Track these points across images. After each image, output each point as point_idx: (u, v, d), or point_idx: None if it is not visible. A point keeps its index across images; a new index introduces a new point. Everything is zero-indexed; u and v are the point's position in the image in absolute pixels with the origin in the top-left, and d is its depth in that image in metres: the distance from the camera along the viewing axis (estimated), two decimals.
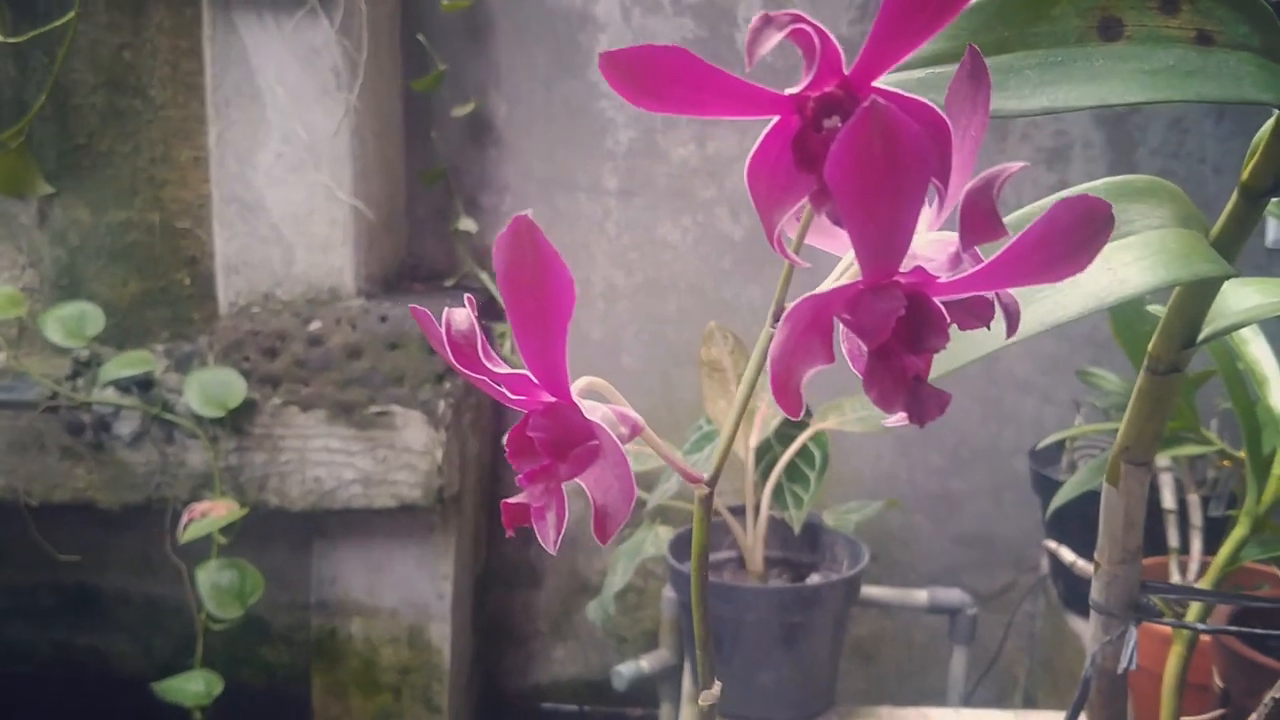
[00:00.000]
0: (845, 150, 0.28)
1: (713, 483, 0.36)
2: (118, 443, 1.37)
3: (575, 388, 0.34)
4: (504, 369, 0.33)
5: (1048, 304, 0.60)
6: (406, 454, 1.35)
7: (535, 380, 0.33)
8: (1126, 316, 1.01)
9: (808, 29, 0.29)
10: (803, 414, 0.33)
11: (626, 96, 0.30)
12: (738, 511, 1.35)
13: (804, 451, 1.35)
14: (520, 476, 0.33)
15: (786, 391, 0.32)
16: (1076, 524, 1.22)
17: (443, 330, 0.33)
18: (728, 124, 1.44)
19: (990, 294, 0.35)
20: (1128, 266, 0.59)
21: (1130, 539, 0.68)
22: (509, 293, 0.31)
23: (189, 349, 1.43)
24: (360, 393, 1.35)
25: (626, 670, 1.39)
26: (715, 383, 1.29)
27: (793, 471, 1.35)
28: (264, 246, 1.40)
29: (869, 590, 1.42)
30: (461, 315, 0.33)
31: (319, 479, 1.37)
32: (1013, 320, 0.36)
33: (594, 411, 0.33)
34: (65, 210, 1.46)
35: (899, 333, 0.32)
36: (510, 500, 0.32)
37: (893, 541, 1.58)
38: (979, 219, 0.30)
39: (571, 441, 0.33)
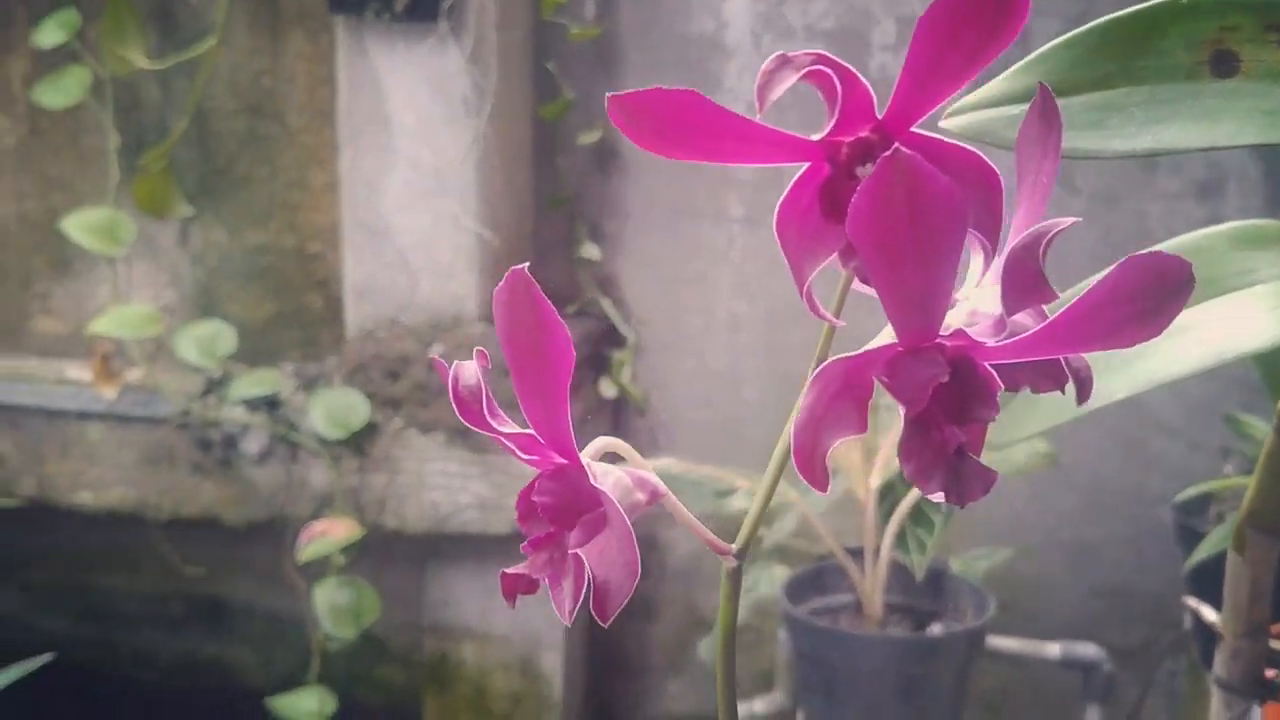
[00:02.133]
0: (866, 204, 0.25)
1: (742, 554, 0.33)
2: (245, 460, 1.40)
3: (591, 449, 0.31)
4: (510, 427, 0.31)
5: (1159, 359, 0.55)
6: (521, 480, 1.34)
7: (542, 441, 0.31)
8: (1276, 362, 0.94)
9: (828, 70, 0.26)
10: (829, 489, 0.30)
11: (638, 142, 0.28)
12: (856, 554, 1.30)
13: None
14: (525, 544, 0.31)
15: (812, 463, 0.29)
16: (1220, 580, 1.14)
17: (449, 384, 0.31)
18: None
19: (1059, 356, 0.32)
20: (1250, 319, 0.54)
21: (1256, 611, 0.63)
22: (508, 350, 0.29)
23: (316, 370, 1.45)
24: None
25: (739, 712, 1.35)
26: None
27: (917, 515, 1.29)
28: (390, 272, 1.41)
29: (997, 641, 1.35)
30: (469, 370, 0.31)
31: (435, 503, 1.37)
32: (1084, 385, 0.32)
33: (606, 476, 0.31)
34: (204, 232, 1.50)
35: (942, 401, 0.29)
36: (509, 570, 0.30)
37: (1024, 590, 1.51)
38: (1024, 281, 0.27)
39: (579, 508, 0.30)
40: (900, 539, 1.26)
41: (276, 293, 1.50)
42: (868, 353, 0.29)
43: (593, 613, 0.30)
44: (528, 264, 0.27)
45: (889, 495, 1.30)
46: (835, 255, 0.29)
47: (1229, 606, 0.64)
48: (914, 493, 1.27)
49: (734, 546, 0.33)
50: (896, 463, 1.33)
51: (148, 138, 1.47)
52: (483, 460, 1.35)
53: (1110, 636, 1.46)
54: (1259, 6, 0.44)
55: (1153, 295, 0.29)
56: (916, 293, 0.27)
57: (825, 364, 0.29)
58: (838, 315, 0.32)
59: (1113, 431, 1.48)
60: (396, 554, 1.45)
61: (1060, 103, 0.46)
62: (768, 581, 1.36)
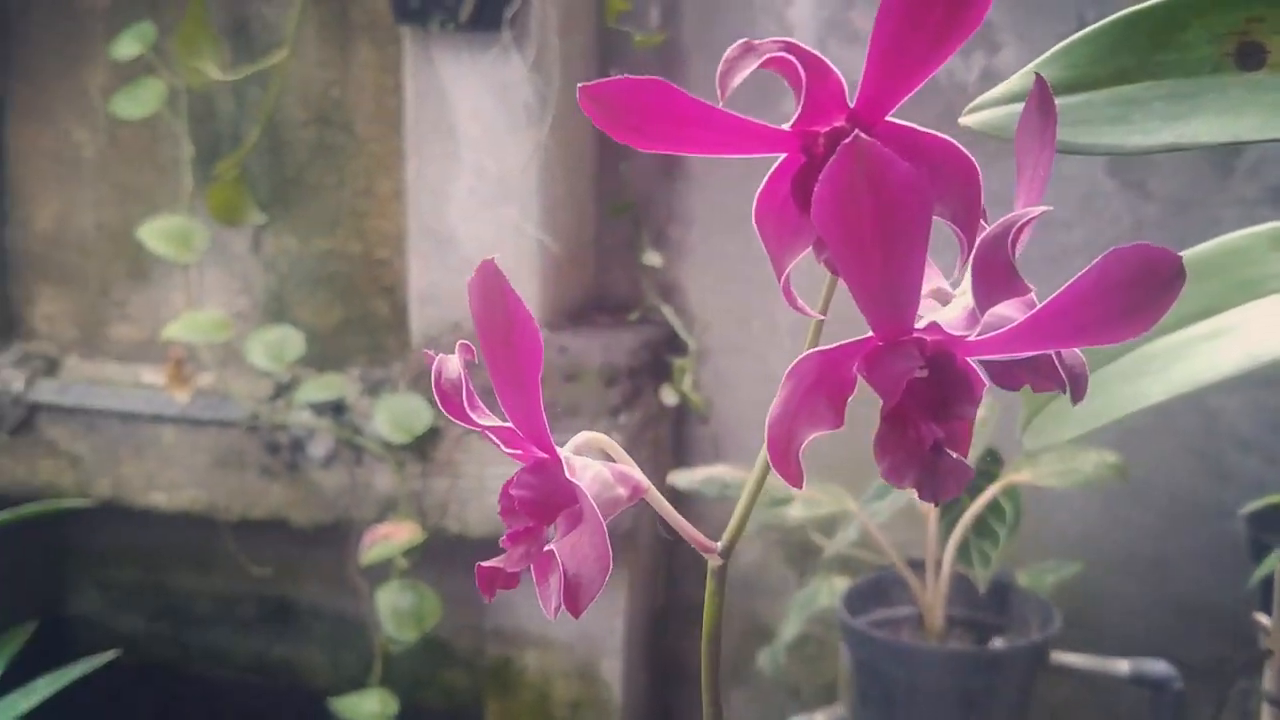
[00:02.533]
0: (828, 192, 0.25)
1: (726, 553, 0.33)
2: (311, 463, 1.43)
3: (573, 444, 0.31)
4: (490, 420, 0.31)
5: (1195, 361, 0.54)
6: None
7: (521, 434, 0.31)
8: None
9: (791, 58, 0.26)
10: (804, 483, 0.29)
11: (610, 133, 0.28)
12: (917, 565, 1.28)
13: (994, 505, 1.27)
14: (504, 537, 0.31)
15: (786, 458, 0.29)
16: None
17: (433, 377, 0.31)
18: None
19: (1052, 352, 0.31)
20: None
21: None
22: (483, 341, 0.29)
23: (382, 375, 1.47)
24: None
25: None
26: None
27: (981, 526, 1.27)
28: (454, 278, 1.43)
29: (1064, 657, 1.32)
30: (451, 364, 0.31)
31: (496, 507, 1.38)
32: (1078, 384, 0.31)
33: (585, 470, 0.31)
34: (275, 239, 1.53)
35: (919, 396, 0.28)
36: (485, 564, 0.30)
37: (1095, 606, 1.47)
38: (994, 273, 0.26)
39: (557, 504, 0.30)
40: (963, 551, 1.24)
41: (344, 299, 1.53)
42: (844, 346, 0.28)
43: (565, 605, 0.30)
44: (496, 256, 0.28)
45: (952, 506, 1.28)
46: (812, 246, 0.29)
47: (1277, 619, 0.62)
48: (977, 504, 1.25)
49: (719, 545, 0.33)
50: None
51: (221, 147, 1.50)
52: None
53: (1183, 654, 1.42)
54: None
55: (1140, 289, 0.28)
56: (884, 284, 0.26)
57: (801, 357, 0.29)
58: (825, 309, 0.32)
59: (1187, 444, 1.44)
60: (460, 558, 1.46)
61: (1082, 98, 0.46)
62: (828, 592, 1.34)
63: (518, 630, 1.47)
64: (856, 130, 0.24)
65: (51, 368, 1.54)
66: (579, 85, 0.27)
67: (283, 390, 1.45)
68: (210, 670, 1.66)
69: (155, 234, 1.42)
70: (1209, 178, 1.40)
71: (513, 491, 0.31)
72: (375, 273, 1.52)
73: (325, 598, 1.62)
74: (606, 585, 1.19)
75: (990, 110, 0.44)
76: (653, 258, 1.50)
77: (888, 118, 0.28)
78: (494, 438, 0.31)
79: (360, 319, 1.53)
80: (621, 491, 0.32)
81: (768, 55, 0.26)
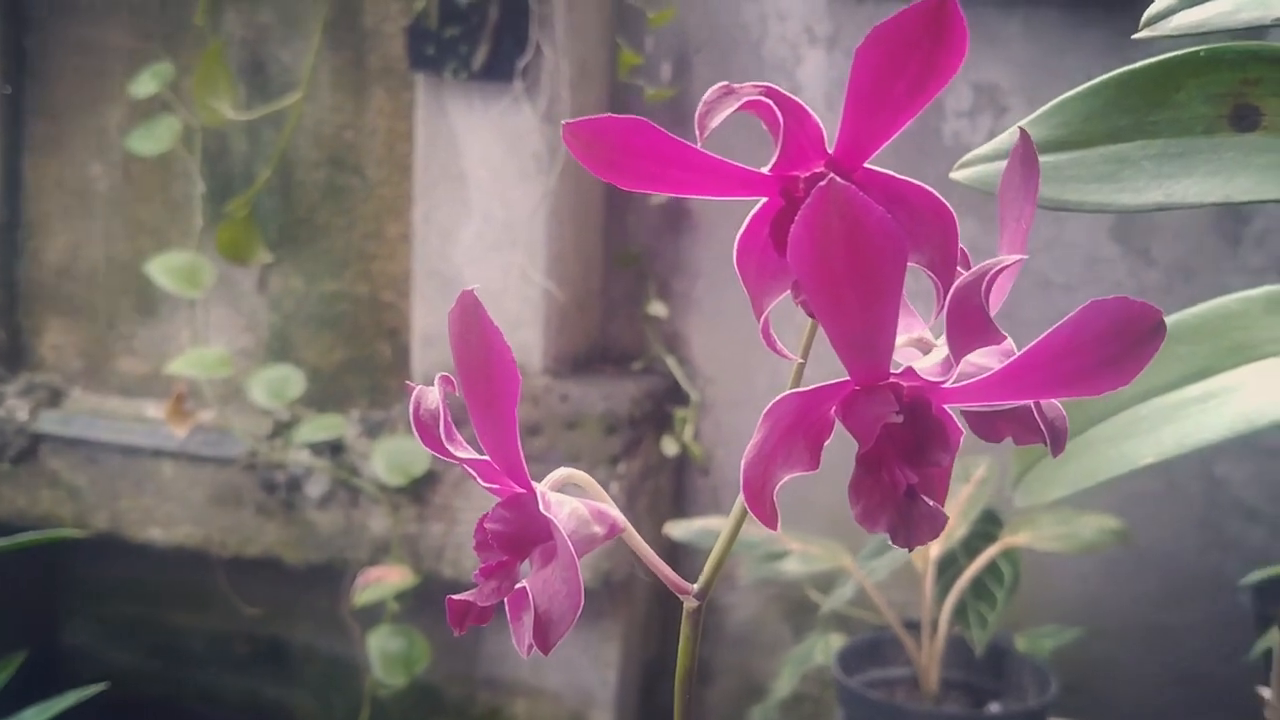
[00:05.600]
0: (803, 235, 0.25)
1: (702, 595, 0.32)
2: (307, 503, 1.42)
3: (550, 479, 0.31)
4: (467, 453, 0.31)
5: (1190, 424, 0.54)
6: None
7: (498, 468, 0.31)
8: None
9: (769, 102, 0.26)
10: (779, 527, 0.29)
11: (592, 170, 0.28)
12: (913, 626, 1.27)
13: (992, 567, 1.26)
14: (477, 571, 0.31)
15: (761, 500, 0.29)
16: None
17: (411, 408, 0.31)
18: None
19: (1032, 404, 0.31)
20: None
21: None
22: (461, 373, 0.29)
23: (382, 417, 1.47)
24: (535, 470, 1.35)
25: None
26: None
27: (978, 588, 1.26)
28: None
29: None
30: (430, 395, 0.31)
31: None
32: (1057, 436, 0.31)
33: (561, 506, 0.31)
34: (283, 279, 1.54)
35: (895, 441, 0.28)
36: (456, 597, 0.30)
37: (1095, 674, 1.46)
38: (967, 321, 0.26)
39: (532, 539, 0.30)
40: (960, 612, 1.23)
41: (348, 340, 1.53)
42: (821, 388, 0.28)
43: (534, 642, 0.30)
44: (476, 288, 0.28)
45: (950, 567, 1.27)
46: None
47: (1276, 682, 0.62)
48: (975, 566, 1.24)
49: (695, 587, 0.33)
50: (957, 533, 1.29)
51: (234, 186, 1.52)
52: None
53: None
54: None
55: (1118, 341, 0.28)
56: (859, 327, 0.26)
57: (779, 398, 0.29)
58: (806, 353, 0.32)
59: (1192, 513, 1.43)
60: None
61: (1073, 155, 0.46)
62: (823, 650, 1.33)
63: (510, 679, 1.46)
64: (831, 175, 0.24)
65: (56, 398, 1.54)
66: (564, 122, 0.27)
67: (282, 429, 1.45)
68: (203, 709, 1.65)
69: (163, 269, 1.43)
70: (1215, 245, 1.40)
71: (487, 525, 0.30)
72: (380, 315, 1.52)
73: (319, 640, 1.61)
74: (600, 637, 1.19)
75: (982, 165, 0.45)
76: (658, 309, 1.50)
77: (867, 164, 0.28)
78: (472, 471, 0.31)
79: (363, 360, 1.53)
80: (598, 530, 0.31)
81: (746, 99, 0.26)
